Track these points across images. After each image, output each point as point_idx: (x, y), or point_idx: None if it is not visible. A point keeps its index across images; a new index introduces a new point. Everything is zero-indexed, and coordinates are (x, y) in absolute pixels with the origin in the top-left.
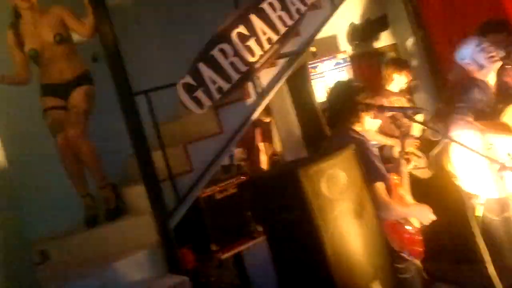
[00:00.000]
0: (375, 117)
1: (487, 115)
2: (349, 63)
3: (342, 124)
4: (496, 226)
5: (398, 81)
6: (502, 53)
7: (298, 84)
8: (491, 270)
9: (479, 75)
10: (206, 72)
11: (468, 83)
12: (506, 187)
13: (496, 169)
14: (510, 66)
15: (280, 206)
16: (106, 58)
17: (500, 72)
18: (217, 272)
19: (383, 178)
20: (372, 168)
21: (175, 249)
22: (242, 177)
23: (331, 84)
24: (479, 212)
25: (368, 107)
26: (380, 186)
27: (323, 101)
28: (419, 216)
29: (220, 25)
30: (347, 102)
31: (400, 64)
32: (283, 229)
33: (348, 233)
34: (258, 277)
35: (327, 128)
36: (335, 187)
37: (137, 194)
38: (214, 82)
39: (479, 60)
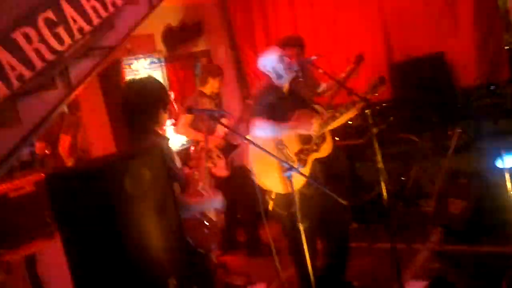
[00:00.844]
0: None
1: (279, 116)
2: (163, 63)
3: (142, 124)
4: (284, 221)
5: (212, 85)
6: (296, 67)
7: (111, 80)
8: (277, 263)
9: (276, 82)
10: (4, 56)
11: (266, 88)
12: (291, 185)
13: (284, 168)
14: (301, 80)
15: (82, 204)
16: None
17: (292, 82)
18: (3, 277)
19: (179, 178)
20: (174, 169)
21: None
22: (41, 174)
23: (130, 80)
24: (271, 206)
25: (170, 107)
26: (175, 186)
27: (122, 100)
28: (214, 205)
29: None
30: (150, 102)
31: (216, 70)
32: (83, 228)
33: (149, 231)
34: (53, 282)
35: (128, 128)
36: (139, 185)
37: None
38: (13, 68)
39: (278, 70)
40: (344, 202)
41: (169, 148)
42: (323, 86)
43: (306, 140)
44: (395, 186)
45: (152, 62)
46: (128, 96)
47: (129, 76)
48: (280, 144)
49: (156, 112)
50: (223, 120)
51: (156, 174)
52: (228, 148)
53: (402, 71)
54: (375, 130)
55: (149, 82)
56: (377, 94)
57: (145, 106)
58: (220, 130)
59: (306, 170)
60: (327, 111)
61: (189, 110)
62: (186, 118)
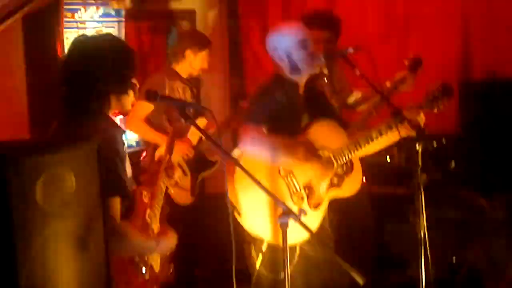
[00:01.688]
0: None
1: (288, 128)
2: (122, 19)
3: (89, 105)
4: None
5: (191, 62)
6: (322, 59)
7: (40, 30)
8: None
9: (290, 76)
10: None
11: (272, 81)
12: (285, 237)
13: (281, 211)
14: (326, 79)
15: None
16: None
17: (312, 81)
18: None
19: (123, 192)
20: (112, 175)
21: None
22: None
23: (79, 38)
24: (258, 264)
25: (131, 87)
26: (115, 203)
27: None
28: (160, 249)
29: None
30: (104, 73)
31: (201, 40)
32: None
33: (59, 265)
34: None
35: (64, 108)
36: (56, 196)
37: None
38: None
39: (295, 57)
40: (360, 280)
41: (122, 145)
42: (356, 95)
43: (324, 167)
44: (441, 270)
45: (106, 14)
46: (73, 60)
47: (69, 28)
48: (284, 169)
49: (114, 89)
50: (200, 121)
51: (85, 183)
52: (200, 164)
53: (479, 95)
54: (424, 177)
55: (109, 43)
56: (436, 110)
57: (98, 77)
58: (193, 135)
59: (319, 215)
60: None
61: (149, 96)
62: (143, 107)
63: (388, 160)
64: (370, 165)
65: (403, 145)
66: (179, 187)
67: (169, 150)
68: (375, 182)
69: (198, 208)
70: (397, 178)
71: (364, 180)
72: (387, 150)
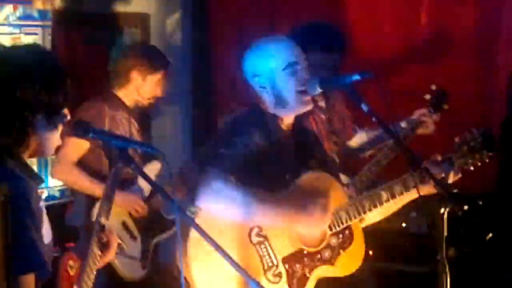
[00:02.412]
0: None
1: (266, 179)
2: (50, 24)
3: None
4: None
5: (138, 87)
6: (318, 88)
7: None
8: None
9: (273, 110)
10: None
11: (248, 114)
12: None
13: None
14: (322, 115)
15: None
16: None
17: (303, 117)
18: None
19: (37, 267)
20: (22, 242)
21: None
22: None
23: None
24: None
25: (60, 120)
26: (27, 283)
27: None
28: None
29: None
30: (23, 99)
31: (152, 58)
32: None
33: None
34: None
35: None
36: None
37: None
38: None
39: (281, 86)
40: None
41: (37, 200)
42: (361, 136)
43: (312, 235)
44: None
45: (26, 17)
46: None
47: None
48: (257, 235)
49: (35, 121)
50: (150, 167)
51: None
52: (154, 225)
53: None
54: (452, 251)
55: (32, 58)
56: (472, 167)
57: (13, 104)
58: (146, 184)
59: None
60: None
61: (79, 129)
62: (75, 147)
63: (404, 225)
64: (379, 232)
65: (424, 206)
66: (125, 255)
67: (105, 204)
68: (384, 257)
69: (151, 284)
70: (416, 252)
71: (370, 254)
72: (402, 212)
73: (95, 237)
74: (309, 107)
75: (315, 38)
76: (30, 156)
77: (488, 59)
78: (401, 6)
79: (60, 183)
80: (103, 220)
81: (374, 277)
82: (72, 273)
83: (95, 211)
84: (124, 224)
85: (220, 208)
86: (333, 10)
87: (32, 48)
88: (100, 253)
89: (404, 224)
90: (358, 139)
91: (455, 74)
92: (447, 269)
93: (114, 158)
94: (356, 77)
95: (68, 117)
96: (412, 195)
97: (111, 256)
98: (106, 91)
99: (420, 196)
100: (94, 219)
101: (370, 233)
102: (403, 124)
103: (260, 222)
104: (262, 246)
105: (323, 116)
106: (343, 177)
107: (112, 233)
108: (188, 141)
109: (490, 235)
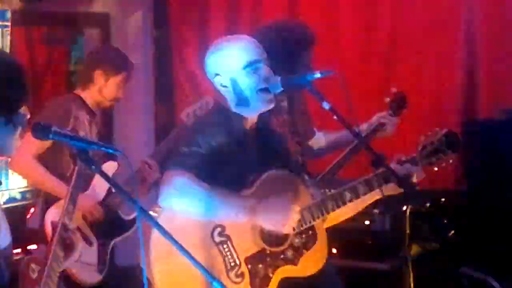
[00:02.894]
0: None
1: (228, 177)
2: (8, 24)
3: None
4: None
5: (100, 89)
6: (280, 86)
7: None
8: None
9: (235, 109)
10: None
11: (210, 112)
12: None
13: None
14: (284, 116)
15: None
16: None
17: (264, 117)
18: None
19: None
20: None
21: None
22: None
23: None
24: None
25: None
26: None
27: None
28: None
29: None
30: None
31: (115, 59)
32: None
33: None
34: None
35: None
36: None
37: None
38: None
39: (243, 85)
40: None
41: None
42: (321, 137)
43: (274, 235)
44: None
45: None
46: None
47: None
48: (219, 234)
49: None
50: (108, 165)
51: None
52: (111, 226)
53: (487, 138)
54: (415, 249)
55: None
56: (436, 167)
57: None
58: (101, 185)
59: None
60: (321, 185)
61: (38, 131)
62: (34, 142)
63: (368, 223)
64: (343, 231)
65: (387, 204)
66: (81, 262)
67: (69, 205)
68: (349, 254)
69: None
70: (379, 249)
71: (334, 252)
72: (365, 211)
73: (57, 238)
74: (271, 105)
75: (277, 32)
76: None
77: (448, 58)
78: (362, 7)
79: (21, 185)
80: (67, 221)
81: (338, 275)
82: (34, 276)
83: (51, 213)
84: (78, 230)
85: (182, 207)
86: (292, 8)
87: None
88: (63, 254)
89: (367, 222)
90: (317, 139)
91: (417, 74)
92: (410, 265)
93: (74, 157)
94: (317, 75)
95: (28, 116)
96: (376, 194)
97: (74, 258)
98: (70, 91)
99: (383, 196)
100: (49, 221)
101: (334, 231)
102: (364, 126)
103: (223, 218)
104: (225, 245)
105: (285, 117)
106: (307, 178)
107: (75, 234)
108: (150, 137)
109: (452, 232)
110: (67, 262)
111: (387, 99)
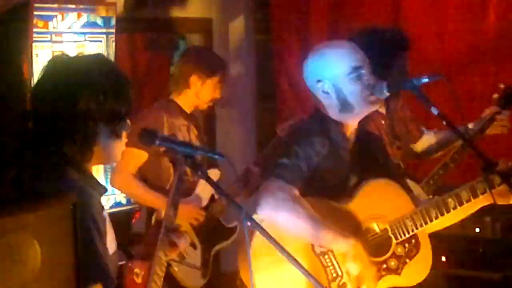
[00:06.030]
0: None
1: (329, 188)
2: (113, 31)
3: (62, 150)
4: None
5: (197, 92)
6: (386, 92)
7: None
8: None
9: (336, 116)
10: None
11: (310, 121)
12: None
13: None
14: (388, 119)
15: None
16: None
17: (367, 123)
18: None
19: (102, 277)
20: (87, 252)
21: None
22: None
23: (56, 58)
24: None
25: (124, 128)
26: None
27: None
28: None
29: None
30: (88, 108)
31: (210, 63)
32: None
33: None
34: None
35: (28, 153)
36: (13, 272)
37: None
38: None
39: (346, 91)
40: None
41: (101, 210)
42: (428, 138)
43: (377, 245)
44: None
45: (90, 24)
46: (47, 87)
47: (39, 41)
48: (320, 245)
49: (100, 130)
50: (212, 172)
51: (55, 256)
52: (214, 233)
53: None
54: None
55: (98, 68)
56: None
57: (79, 113)
58: (204, 192)
59: None
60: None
61: (145, 137)
62: (133, 157)
63: (478, 231)
64: (452, 239)
65: (499, 210)
66: (185, 264)
67: (173, 209)
68: (458, 262)
69: None
70: (490, 258)
71: (443, 260)
72: (475, 218)
73: (160, 243)
74: (377, 106)
75: (381, 39)
76: (95, 164)
77: None
78: (466, 4)
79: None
80: (168, 225)
81: (447, 284)
82: (138, 280)
83: (156, 217)
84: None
85: (279, 221)
86: (395, 11)
87: (95, 57)
88: (165, 257)
89: (477, 229)
90: (425, 141)
91: None
92: None
93: (179, 163)
94: (425, 79)
95: (130, 125)
96: (482, 201)
97: (174, 254)
98: (165, 98)
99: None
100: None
101: (443, 238)
102: (470, 125)
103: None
104: (326, 256)
105: (383, 122)
106: (410, 183)
107: (181, 233)
108: (252, 145)
109: None
110: (171, 258)
111: (495, 95)
